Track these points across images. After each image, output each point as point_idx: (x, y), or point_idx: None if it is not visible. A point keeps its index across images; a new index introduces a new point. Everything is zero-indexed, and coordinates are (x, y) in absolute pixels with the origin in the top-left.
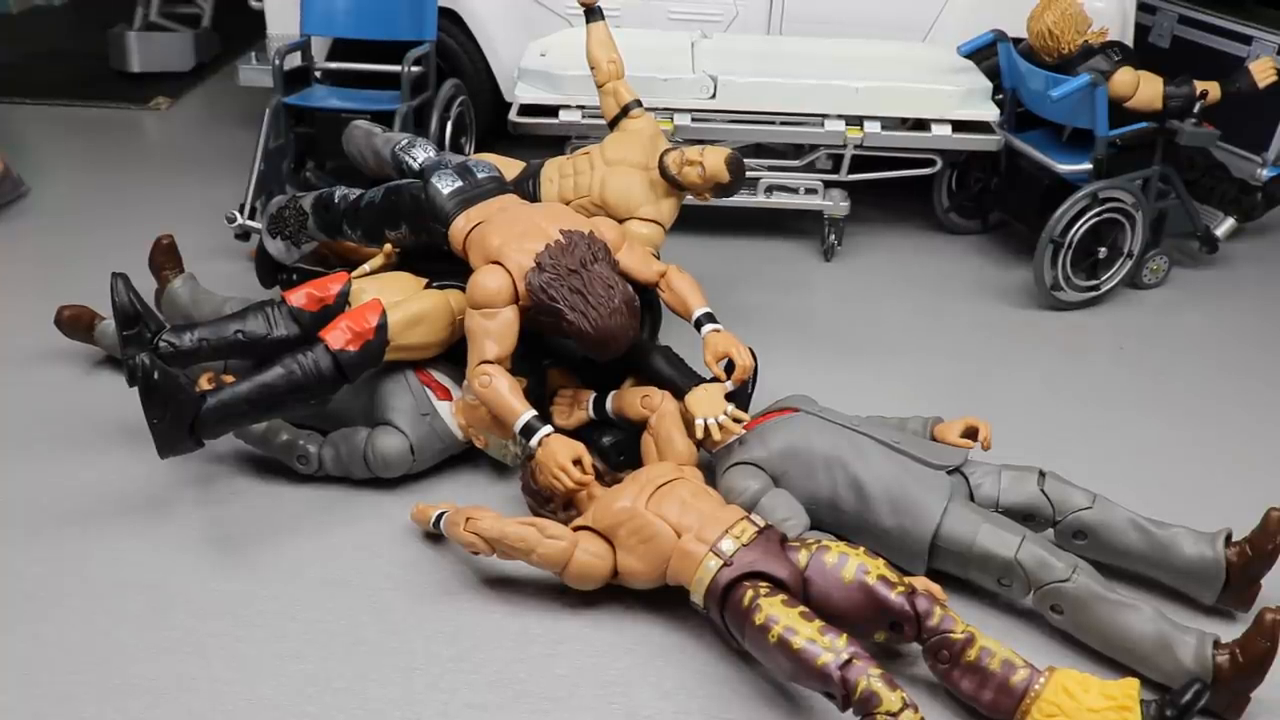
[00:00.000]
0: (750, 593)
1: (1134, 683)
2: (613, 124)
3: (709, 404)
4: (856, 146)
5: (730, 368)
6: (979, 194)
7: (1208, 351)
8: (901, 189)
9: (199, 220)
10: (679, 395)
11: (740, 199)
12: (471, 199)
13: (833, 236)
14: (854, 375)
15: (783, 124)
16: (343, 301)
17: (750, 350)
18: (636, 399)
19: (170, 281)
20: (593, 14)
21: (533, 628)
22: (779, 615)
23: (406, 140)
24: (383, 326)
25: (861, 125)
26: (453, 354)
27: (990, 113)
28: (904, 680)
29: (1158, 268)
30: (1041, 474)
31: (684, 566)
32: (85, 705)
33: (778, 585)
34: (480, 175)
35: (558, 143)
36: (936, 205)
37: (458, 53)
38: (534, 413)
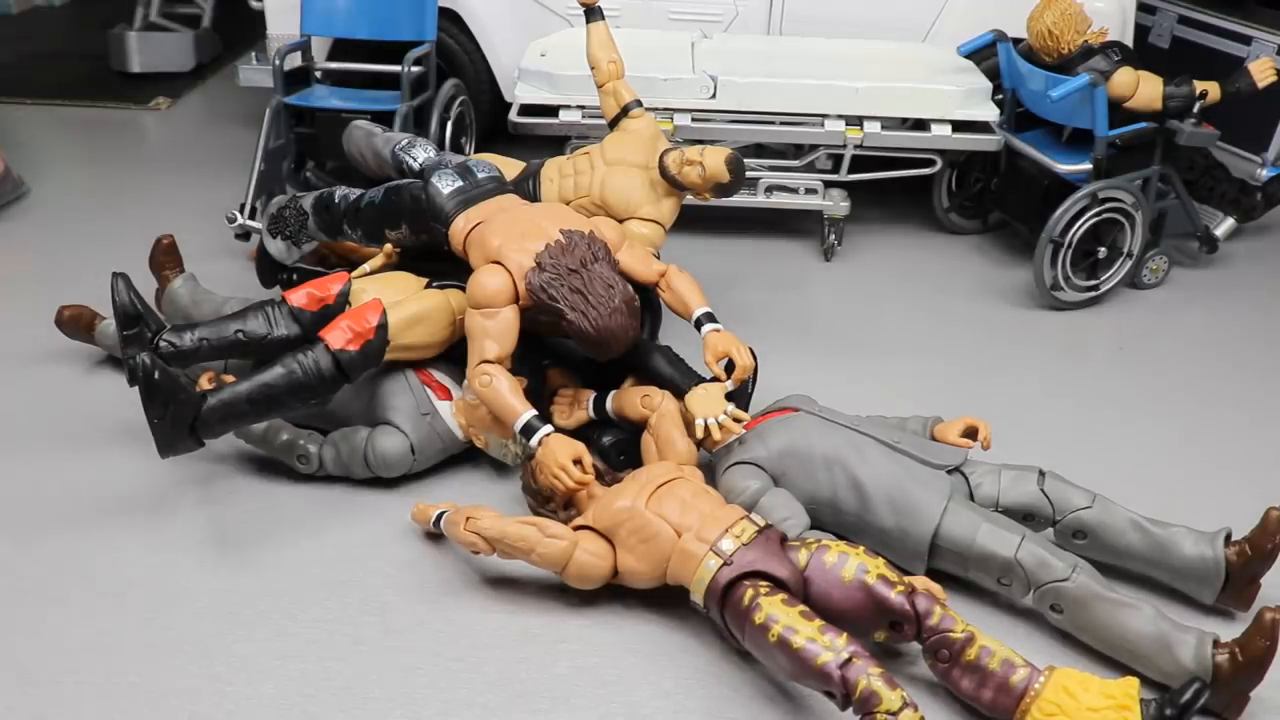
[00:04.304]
0: (750, 592)
1: (1134, 682)
2: (613, 124)
3: (709, 404)
4: (856, 146)
5: (730, 367)
6: (979, 194)
7: (1207, 351)
8: (901, 189)
9: (199, 220)
10: (679, 395)
11: (740, 199)
12: (472, 199)
13: (833, 236)
14: (854, 375)
15: (783, 124)
16: (343, 301)
17: (750, 350)
18: (636, 399)
19: (170, 281)
20: (593, 14)
21: (533, 627)
22: (779, 614)
23: (406, 140)
24: (383, 326)
25: (861, 125)
26: (453, 354)
27: (990, 113)
28: (904, 680)
29: (1158, 268)
30: (1041, 473)
31: (684, 566)
32: (85, 705)
33: (778, 585)
34: (480, 175)
35: (558, 143)
36: (936, 205)
37: (458, 53)
38: (534, 412)
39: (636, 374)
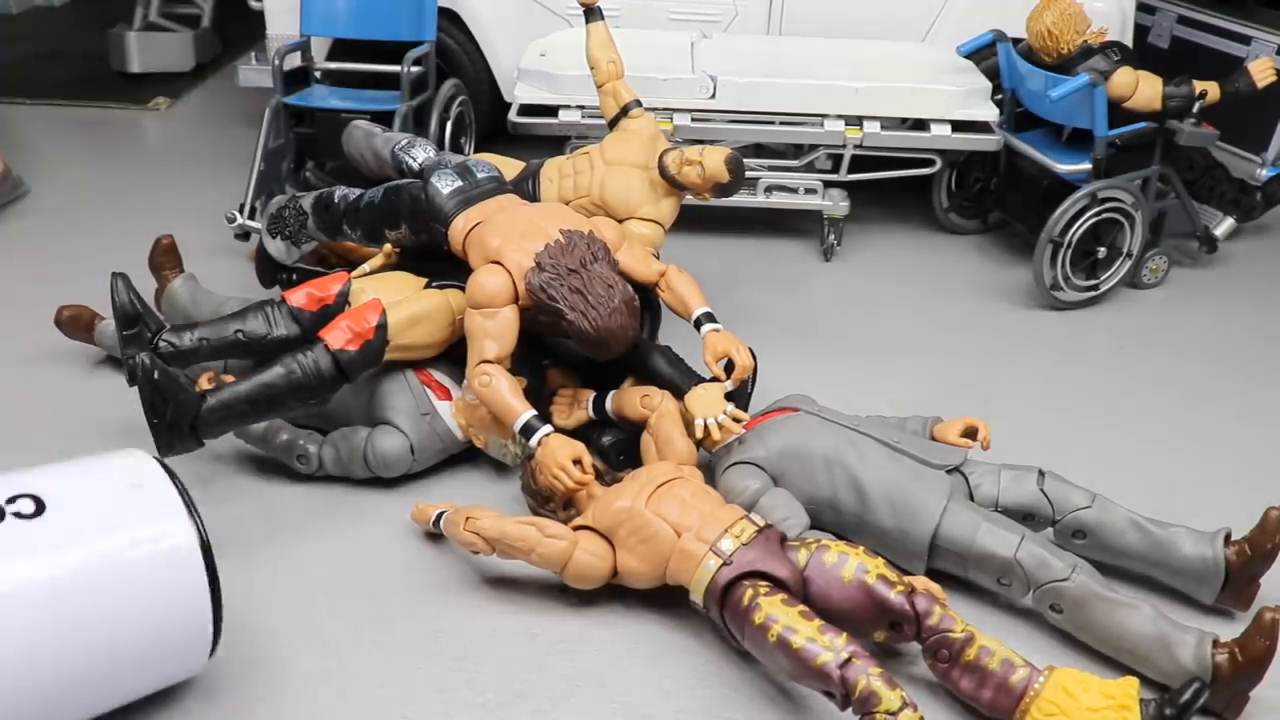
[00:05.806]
0: (750, 592)
1: (1133, 682)
2: (612, 124)
3: (709, 404)
4: (856, 146)
5: (730, 367)
6: (979, 194)
7: (1208, 351)
8: (901, 189)
9: (199, 220)
10: (679, 395)
11: (740, 199)
12: (471, 199)
13: (832, 236)
14: (854, 375)
15: (782, 124)
16: (342, 301)
17: (750, 350)
18: (636, 399)
19: (170, 281)
20: (592, 14)
21: (533, 627)
22: (778, 614)
23: (406, 140)
24: (383, 326)
25: (861, 125)
26: (453, 354)
27: (990, 113)
28: (904, 680)
29: (1157, 268)
30: (1041, 473)
31: (684, 566)
32: None
33: (777, 584)
34: (480, 175)
35: (558, 143)
36: (936, 205)
37: (458, 53)
38: (534, 412)
39: (636, 374)
